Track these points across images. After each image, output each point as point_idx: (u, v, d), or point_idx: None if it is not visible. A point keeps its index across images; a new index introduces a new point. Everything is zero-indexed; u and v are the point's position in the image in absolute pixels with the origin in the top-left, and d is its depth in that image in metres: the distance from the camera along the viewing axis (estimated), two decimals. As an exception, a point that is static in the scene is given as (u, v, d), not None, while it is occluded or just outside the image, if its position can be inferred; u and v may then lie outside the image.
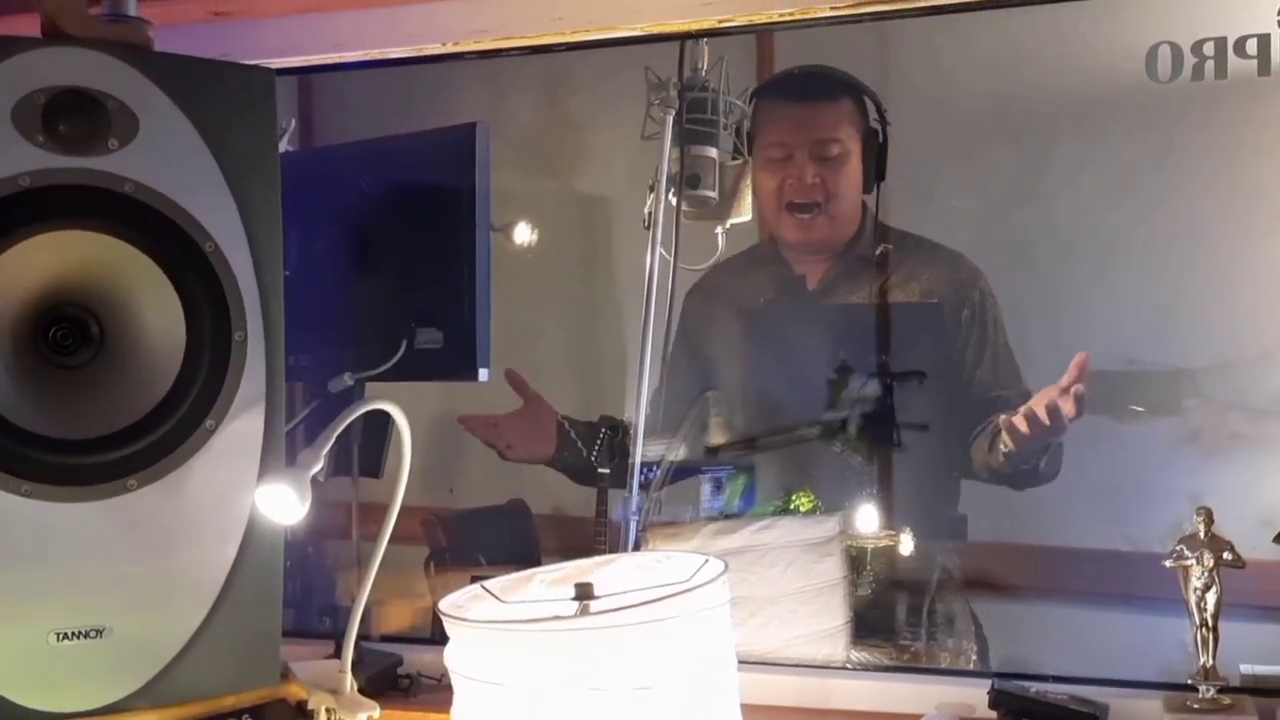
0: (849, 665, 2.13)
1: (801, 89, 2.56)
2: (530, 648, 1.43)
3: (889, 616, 2.40)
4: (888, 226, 2.57)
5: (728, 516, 2.39)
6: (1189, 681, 1.76)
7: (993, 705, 1.81)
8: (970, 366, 2.49)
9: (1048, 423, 2.24)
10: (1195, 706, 1.73)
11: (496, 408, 2.73)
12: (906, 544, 2.39)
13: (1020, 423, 2.27)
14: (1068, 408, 2.23)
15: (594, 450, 2.31)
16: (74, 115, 1.44)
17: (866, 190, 2.55)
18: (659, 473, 2.35)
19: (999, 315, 2.50)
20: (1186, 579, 1.77)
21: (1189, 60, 2.32)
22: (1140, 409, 2.55)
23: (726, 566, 1.52)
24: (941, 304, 2.51)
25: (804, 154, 2.51)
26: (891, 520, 2.40)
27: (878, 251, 2.57)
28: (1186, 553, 1.77)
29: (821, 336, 2.60)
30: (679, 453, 2.41)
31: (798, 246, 2.58)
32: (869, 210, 2.56)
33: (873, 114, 2.54)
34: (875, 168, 2.53)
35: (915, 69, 2.73)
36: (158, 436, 1.49)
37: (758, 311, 2.64)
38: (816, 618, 2.14)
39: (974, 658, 2.38)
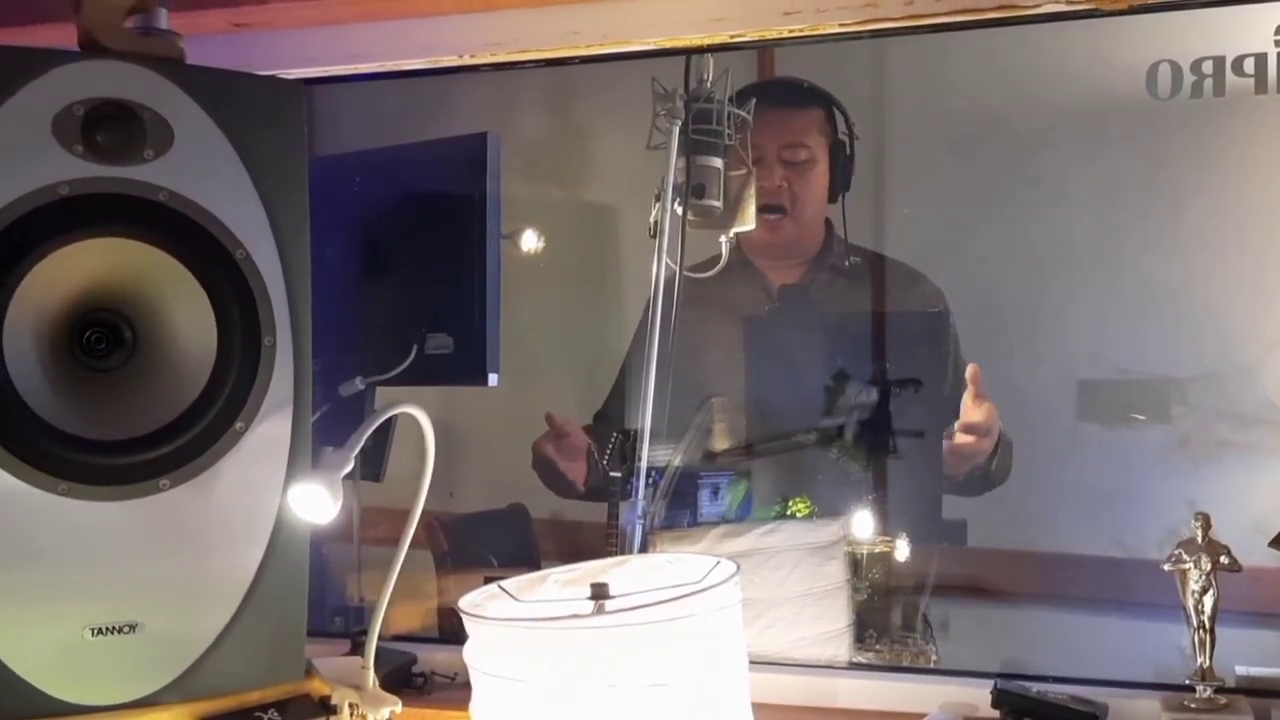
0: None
1: (775, 95, 2.59)
2: (549, 645, 1.46)
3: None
4: (854, 245, 2.63)
5: (727, 522, 2.41)
6: (1187, 682, 1.80)
7: (995, 705, 1.85)
8: (939, 380, 2.54)
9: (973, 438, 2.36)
10: (1192, 706, 1.77)
11: (496, 411, 2.76)
12: (902, 549, 2.42)
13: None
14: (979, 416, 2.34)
15: (605, 455, 2.34)
16: (111, 126, 1.46)
17: (831, 199, 2.59)
18: (663, 479, 2.38)
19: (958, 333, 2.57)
20: (1184, 582, 1.81)
21: (1188, 78, 2.36)
22: (1142, 417, 2.59)
23: (739, 568, 1.56)
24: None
25: (773, 156, 2.54)
26: (887, 526, 2.44)
27: (846, 263, 2.61)
28: (1185, 556, 1.81)
29: (797, 343, 2.65)
30: (679, 458, 2.44)
31: (765, 249, 2.60)
32: (833, 222, 2.61)
33: (842, 126, 2.58)
34: (842, 178, 2.59)
35: (916, 83, 2.76)
36: (189, 438, 1.50)
37: (728, 314, 2.65)
38: (821, 620, 2.18)
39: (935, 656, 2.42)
